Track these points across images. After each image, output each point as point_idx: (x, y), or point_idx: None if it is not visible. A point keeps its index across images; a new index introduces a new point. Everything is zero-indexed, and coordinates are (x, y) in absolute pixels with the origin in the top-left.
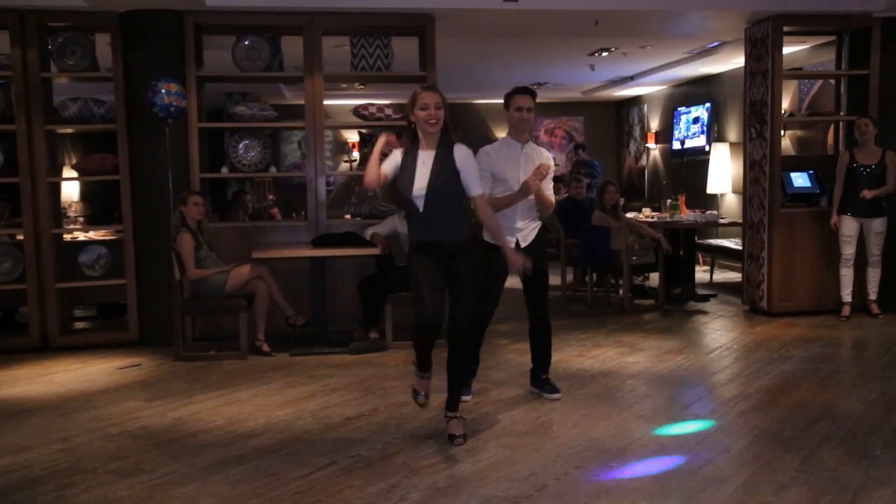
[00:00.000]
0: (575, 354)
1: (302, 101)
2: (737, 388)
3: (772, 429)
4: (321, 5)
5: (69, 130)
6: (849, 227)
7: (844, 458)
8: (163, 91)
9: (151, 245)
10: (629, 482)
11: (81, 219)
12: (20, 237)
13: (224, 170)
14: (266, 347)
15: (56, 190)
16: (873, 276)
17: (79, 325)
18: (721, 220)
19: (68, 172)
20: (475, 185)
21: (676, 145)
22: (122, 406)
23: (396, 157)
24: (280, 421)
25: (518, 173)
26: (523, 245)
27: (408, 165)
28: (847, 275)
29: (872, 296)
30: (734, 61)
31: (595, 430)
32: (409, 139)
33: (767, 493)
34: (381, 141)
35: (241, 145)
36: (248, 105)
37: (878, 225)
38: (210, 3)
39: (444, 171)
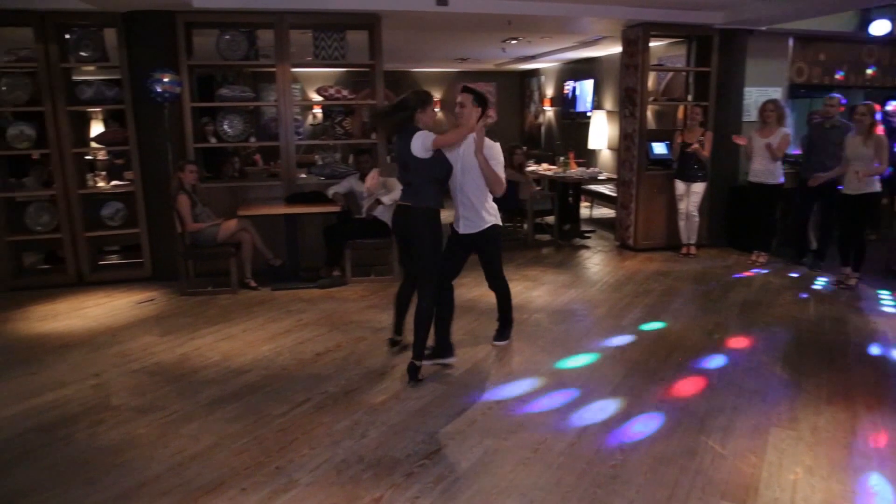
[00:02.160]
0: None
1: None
2: (614, 321)
3: (640, 361)
4: (289, 6)
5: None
6: (679, 188)
7: (692, 389)
8: (160, 80)
9: (158, 201)
10: (538, 415)
11: (104, 173)
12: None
13: (213, 140)
14: (253, 283)
15: (82, 158)
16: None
17: (110, 259)
18: (600, 177)
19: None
20: None
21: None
22: (140, 341)
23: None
24: (264, 357)
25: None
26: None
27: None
28: (682, 224)
29: (693, 240)
30: (611, 49)
31: (511, 365)
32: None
33: (640, 424)
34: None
35: (224, 122)
36: (230, 87)
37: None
38: (196, 4)
39: None
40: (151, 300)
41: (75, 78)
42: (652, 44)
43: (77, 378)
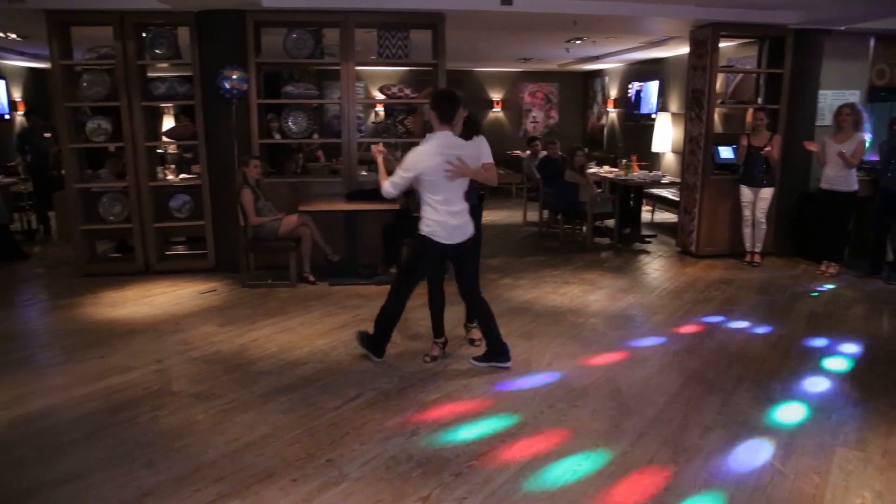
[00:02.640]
0: (549, 291)
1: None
2: (672, 328)
3: (699, 371)
4: (354, 6)
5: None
6: (745, 194)
7: (753, 402)
8: (229, 77)
9: (223, 195)
10: (590, 422)
11: (173, 166)
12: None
13: (277, 136)
14: (311, 278)
15: (152, 151)
16: (760, 233)
17: (176, 249)
18: (663, 181)
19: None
20: None
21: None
22: (201, 330)
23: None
24: (319, 350)
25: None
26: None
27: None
28: (747, 231)
29: (758, 248)
30: (678, 50)
31: (565, 368)
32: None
33: (696, 436)
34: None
35: (289, 119)
36: (295, 85)
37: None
38: (266, 3)
39: None
40: (213, 291)
41: (150, 75)
42: (721, 44)
43: (141, 363)
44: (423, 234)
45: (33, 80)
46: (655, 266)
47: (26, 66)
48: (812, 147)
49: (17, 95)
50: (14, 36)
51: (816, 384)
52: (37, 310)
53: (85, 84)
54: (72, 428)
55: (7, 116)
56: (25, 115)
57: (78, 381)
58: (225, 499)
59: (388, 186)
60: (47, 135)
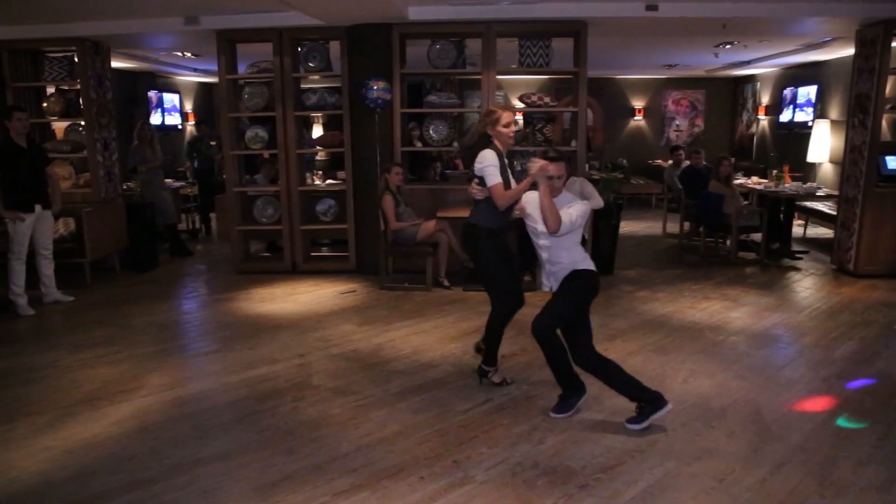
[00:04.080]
0: (687, 306)
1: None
2: (823, 352)
3: (853, 399)
4: (497, 16)
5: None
6: None
7: None
8: (373, 88)
9: (366, 200)
10: (728, 443)
11: (320, 172)
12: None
13: (418, 144)
14: (446, 283)
15: (303, 158)
16: None
17: (321, 251)
18: (818, 193)
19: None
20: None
21: (784, 118)
22: (341, 328)
23: (497, 161)
24: (451, 354)
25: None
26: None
27: (504, 169)
28: None
29: None
30: (842, 52)
31: (701, 387)
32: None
33: (847, 470)
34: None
35: (430, 127)
36: (437, 94)
37: None
38: (412, 17)
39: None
40: (353, 291)
41: (302, 86)
42: (894, 44)
43: (285, 356)
44: (593, 270)
45: (202, 94)
46: (806, 284)
47: (196, 80)
48: None
49: (188, 107)
50: (189, 54)
51: None
52: (197, 302)
53: (246, 96)
54: (223, 411)
55: (180, 127)
56: (195, 125)
57: (230, 369)
58: (357, 489)
59: (567, 220)
60: (213, 143)
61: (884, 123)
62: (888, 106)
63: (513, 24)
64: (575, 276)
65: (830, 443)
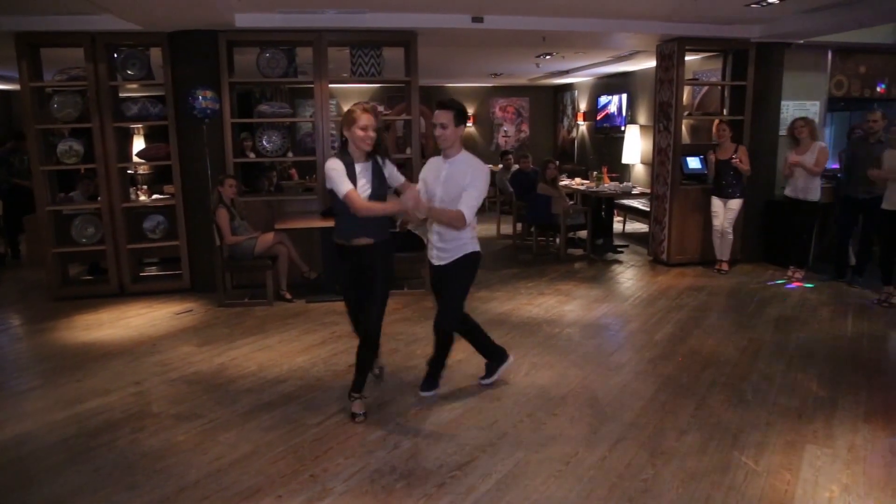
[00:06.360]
0: (524, 303)
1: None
2: (645, 336)
3: (673, 376)
4: (327, 25)
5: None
6: (715, 205)
7: (726, 404)
8: (200, 97)
9: (197, 215)
10: (569, 429)
11: (145, 187)
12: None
13: (251, 155)
14: (288, 295)
15: (125, 173)
16: (727, 242)
17: (150, 270)
18: (633, 192)
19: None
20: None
21: (600, 123)
22: (179, 351)
23: (342, 167)
24: (299, 368)
25: (437, 188)
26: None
27: (350, 175)
28: (717, 240)
29: (726, 256)
30: (645, 64)
31: (542, 378)
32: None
33: (672, 439)
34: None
35: (263, 137)
36: (269, 104)
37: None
38: (239, 24)
39: (380, 179)
40: (190, 311)
41: (121, 95)
42: (687, 58)
43: (119, 386)
44: (477, 250)
45: (0, 103)
46: (628, 275)
47: None
48: (793, 160)
49: None
50: None
51: (785, 385)
52: (8, 335)
53: (56, 106)
54: (51, 453)
55: None
56: (10, 138)
57: (55, 405)
58: None
59: (470, 213)
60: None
61: (684, 128)
62: (686, 113)
63: (344, 33)
64: (466, 260)
65: (658, 417)
